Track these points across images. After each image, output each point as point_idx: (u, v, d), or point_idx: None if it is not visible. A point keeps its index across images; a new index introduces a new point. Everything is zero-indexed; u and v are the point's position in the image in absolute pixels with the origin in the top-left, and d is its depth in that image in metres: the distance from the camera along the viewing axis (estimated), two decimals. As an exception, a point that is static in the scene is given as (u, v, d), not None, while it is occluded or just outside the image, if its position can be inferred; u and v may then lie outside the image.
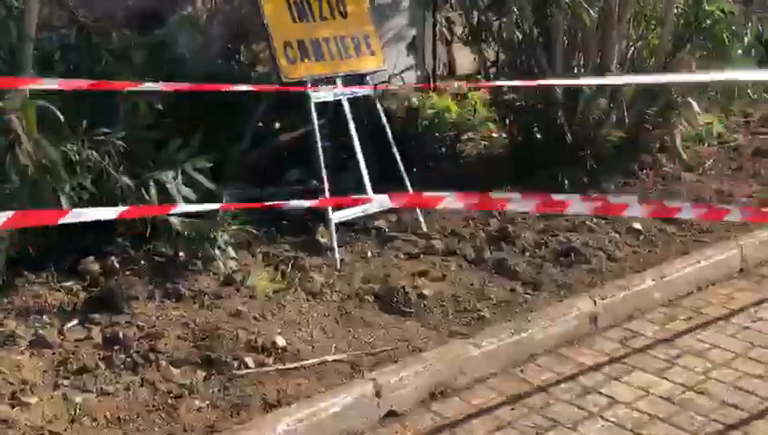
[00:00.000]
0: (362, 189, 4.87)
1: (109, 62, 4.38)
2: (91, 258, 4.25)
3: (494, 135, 6.76)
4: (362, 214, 4.81)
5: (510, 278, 4.39)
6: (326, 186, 4.58)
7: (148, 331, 3.69)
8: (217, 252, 4.27)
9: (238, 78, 5.28)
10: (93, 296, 3.98)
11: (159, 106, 4.28)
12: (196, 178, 4.28)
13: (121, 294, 3.93)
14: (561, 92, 5.86)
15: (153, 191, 4.11)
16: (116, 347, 3.54)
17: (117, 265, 4.23)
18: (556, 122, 5.83)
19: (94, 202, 4.02)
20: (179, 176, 4.20)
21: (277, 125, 5.49)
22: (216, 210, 4.18)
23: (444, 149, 6.37)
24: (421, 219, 5.08)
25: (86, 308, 3.89)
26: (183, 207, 3.97)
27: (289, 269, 4.38)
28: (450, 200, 3.55)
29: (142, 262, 4.29)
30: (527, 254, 4.73)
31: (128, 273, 4.20)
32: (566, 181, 5.64)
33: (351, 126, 4.85)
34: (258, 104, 4.93)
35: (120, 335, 3.60)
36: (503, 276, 4.42)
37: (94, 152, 4.00)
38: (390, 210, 5.10)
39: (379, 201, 4.26)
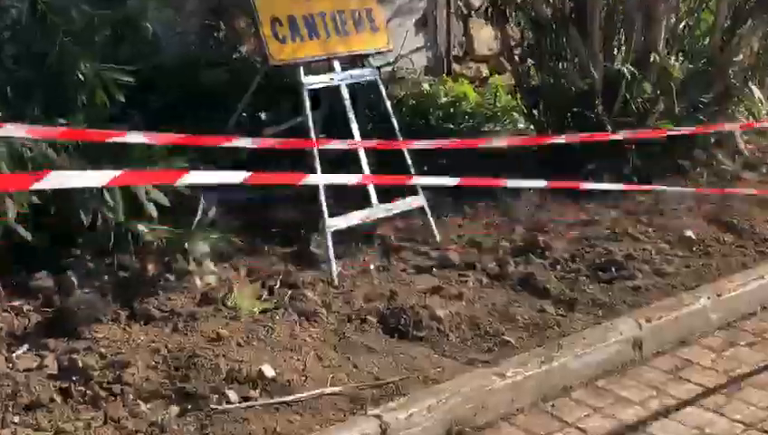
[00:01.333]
0: (364, 192, 4.90)
1: (66, 44, 4.40)
2: (45, 273, 4.27)
3: (519, 126, 6.77)
4: (364, 221, 4.85)
5: (539, 296, 4.43)
6: (321, 188, 4.60)
7: (113, 359, 3.69)
8: (193, 265, 4.30)
9: (217, 61, 5.32)
10: (47, 318, 4.01)
11: (122, 98, 4.29)
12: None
13: (80, 316, 3.95)
14: (598, 76, 5.89)
15: (118, 195, 4.13)
16: (74, 378, 3.56)
17: (75, 281, 4.25)
18: (593, 111, 5.87)
19: (46, 208, 4.04)
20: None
21: (263, 116, 5.53)
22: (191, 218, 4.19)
23: (461, 144, 6.38)
24: (433, 227, 5.11)
25: (39, 332, 3.91)
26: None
27: (278, 285, 4.40)
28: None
29: (105, 277, 4.31)
30: (559, 267, 4.76)
31: (87, 290, 4.22)
32: (605, 179, 5.66)
33: (351, 116, 4.87)
34: (242, 92, 4.96)
35: (80, 364, 3.61)
36: (530, 294, 4.45)
37: (49, 148, 4.01)
38: (397, 216, 5.13)
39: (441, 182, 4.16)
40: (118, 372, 3.59)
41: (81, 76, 4.12)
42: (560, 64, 6.25)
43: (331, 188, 4.68)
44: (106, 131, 3.30)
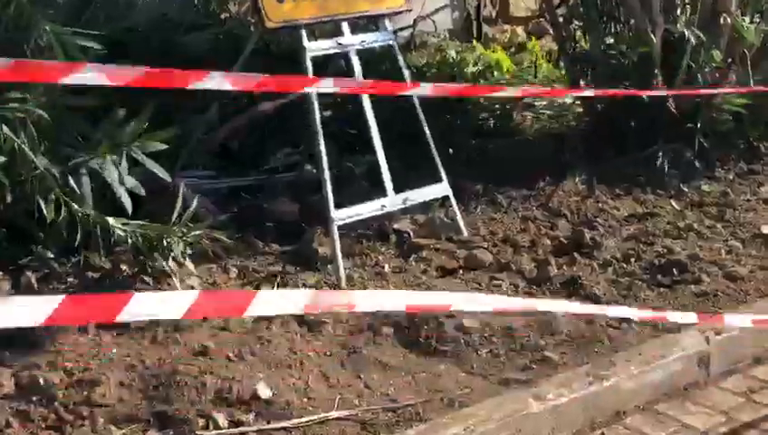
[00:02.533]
0: (376, 178, 4.90)
1: (23, 4, 4.40)
2: (0, 274, 4.29)
3: (564, 101, 6.77)
4: (377, 212, 4.85)
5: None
6: (326, 174, 4.61)
7: (80, 376, 3.70)
8: (172, 265, 4.32)
9: (202, 23, 5.32)
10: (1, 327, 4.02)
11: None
12: (145, 166, 4.31)
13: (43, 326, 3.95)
14: (657, 41, 5.87)
15: (86, 182, 4.14)
16: (34, 398, 3.55)
17: (35, 284, 4.27)
18: (651, 83, 5.85)
19: (3, 194, 4.06)
20: (123, 161, 4.22)
21: None
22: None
23: (493, 122, 6.44)
24: (460, 220, 5.11)
25: None
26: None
27: (275, 290, 4.39)
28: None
29: (70, 279, 4.33)
30: (610, 269, 4.76)
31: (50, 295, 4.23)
32: (665, 164, 5.65)
33: None
34: (233, 60, 4.97)
35: (41, 382, 3.61)
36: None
37: (4, 126, 4.04)
38: (417, 208, 5.13)
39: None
40: (86, 392, 3.58)
41: (40, 41, 4.12)
42: (612, 27, 6.24)
43: (337, 175, 4.68)
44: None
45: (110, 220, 4.22)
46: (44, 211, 4.18)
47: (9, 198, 4.21)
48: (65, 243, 4.31)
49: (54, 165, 4.12)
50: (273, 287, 4.44)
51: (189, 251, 4.37)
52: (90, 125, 4.31)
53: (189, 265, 4.37)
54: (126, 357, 3.84)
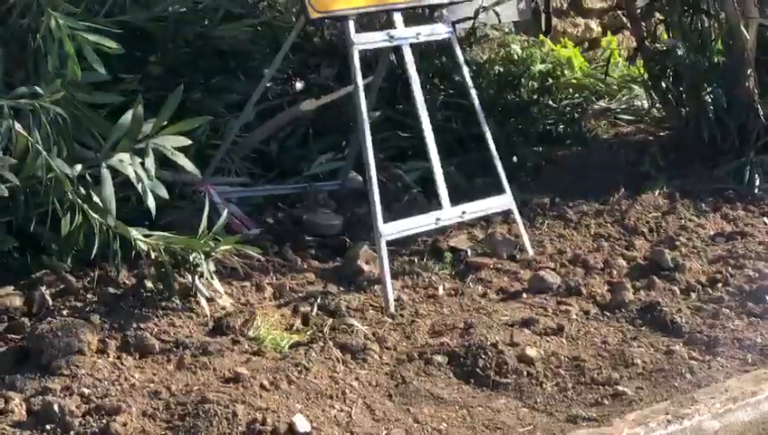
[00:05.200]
0: (431, 188, 4.91)
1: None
2: (10, 289, 4.34)
3: (643, 104, 6.78)
4: (431, 227, 4.85)
5: (666, 333, 4.44)
6: (373, 183, 4.62)
7: (99, 402, 3.71)
8: (199, 284, 4.35)
9: (238, 12, 5.35)
10: (14, 348, 4.05)
11: (101, 69, 4.23)
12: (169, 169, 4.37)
13: (57, 345, 3.95)
14: (751, 37, 5.84)
15: (106, 186, 4.16)
16: (49, 427, 3.59)
17: (49, 301, 4.31)
18: (743, 85, 5.87)
19: (14, 199, 4.10)
20: (150, 158, 4.24)
21: (299, 86, 5.61)
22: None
23: (563, 127, 6.43)
24: (525, 237, 5.11)
25: (3, 366, 3.94)
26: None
27: (314, 312, 4.46)
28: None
29: (89, 296, 4.34)
30: (694, 295, 4.75)
31: (66, 312, 4.26)
32: (757, 177, 5.63)
33: (416, 88, 4.86)
34: (272, 53, 5.06)
35: (55, 408, 3.64)
36: (654, 330, 4.46)
37: (16, 123, 4.06)
38: (476, 222, 5.13)
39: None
40: (105, 420, 3.59)
41: (49, 35, 4.12)
42: (698, 20, 6.22)
43: (386, 184, 4.70)
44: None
45: (133, 231, 4.25)
46: (61, 218, 4.18)
47: (20, 204, 4.24)
48: (82, 254, 4.33)
49: (71, 167, 4.14)
50: (312, 309, 4.45)
51: (213, 268, 4.39)
52: (111, 124, 4.30)
53: (216, 283, 4.39)
54: (149, 383, 3.86)
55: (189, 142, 4.38)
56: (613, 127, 6.68)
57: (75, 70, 4.19)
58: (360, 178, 5.17)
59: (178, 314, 4.32)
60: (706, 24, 6.20)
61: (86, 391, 3.79)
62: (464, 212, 4.94)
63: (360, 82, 4.68)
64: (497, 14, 6.76)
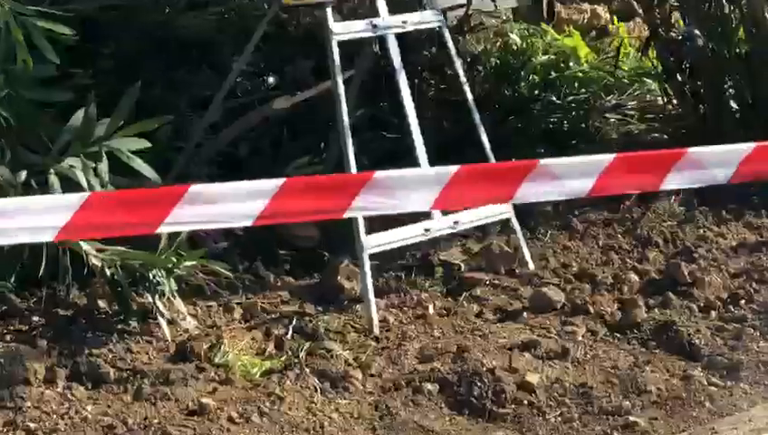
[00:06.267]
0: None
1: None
2: (-53, 311, 4.35)
3: (657, 100, 6.74)
4: (420, 238, 4.81)
5: (682, 356, 4.44)
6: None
7: (47, 439, 3.62)
8: (159, 304, 4.33)
9: (204, 2, 5.37)
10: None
11: (54, 59, 4.24)
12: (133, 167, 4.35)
13: (0, 374, 3.97)
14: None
15: (57, 192, 4.13)
16: (-9, 466, 3.63)
17: (-9, 323, 4.31)
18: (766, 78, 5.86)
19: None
20: (104, 163, 4.22)
21: (272, 80, 5.58)
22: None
23: (568, 126, 6.40)
24: (525, 250, 5.08)
25: None
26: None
27: (289, 335, 4.45)
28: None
29: (35, 318, 4.35)
30: (714, 314, 4.74)
31: (9, 337, 4.28)
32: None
33: (403, 82, 4.85)
34: (241, 44, 5.02)
35: (-1, 446, 3.66)
36: (669, 353, 4.46)
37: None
38: (471, 233, 5.14)
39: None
40: None
41: None
42: (717, 6, 6.17)
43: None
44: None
45: (85, 246, 4.22)
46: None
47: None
48: (27, 272, 4.34)
49: (15, 173, 4.15)
50: (287, 332, 4.43)
51: (176, 286, 4.38)
52: (60, 124, 4.35)
53: (179, 303, 4.38)
54: (104, 416, 3.86)
55: (148, 145, 4.45)
56: (624, 125, 6.64)
57: (26, 61, 4.20)
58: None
59: (136, 339, 4.33)
60: (726, 10, 6.18)
61: (32, 425, 3.80)
62: (456, 222, 4.92)
63: (340, 76, 4.68)
64: (494, 1, 6.79)
